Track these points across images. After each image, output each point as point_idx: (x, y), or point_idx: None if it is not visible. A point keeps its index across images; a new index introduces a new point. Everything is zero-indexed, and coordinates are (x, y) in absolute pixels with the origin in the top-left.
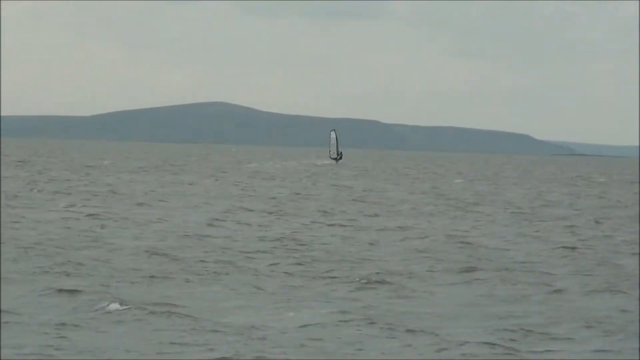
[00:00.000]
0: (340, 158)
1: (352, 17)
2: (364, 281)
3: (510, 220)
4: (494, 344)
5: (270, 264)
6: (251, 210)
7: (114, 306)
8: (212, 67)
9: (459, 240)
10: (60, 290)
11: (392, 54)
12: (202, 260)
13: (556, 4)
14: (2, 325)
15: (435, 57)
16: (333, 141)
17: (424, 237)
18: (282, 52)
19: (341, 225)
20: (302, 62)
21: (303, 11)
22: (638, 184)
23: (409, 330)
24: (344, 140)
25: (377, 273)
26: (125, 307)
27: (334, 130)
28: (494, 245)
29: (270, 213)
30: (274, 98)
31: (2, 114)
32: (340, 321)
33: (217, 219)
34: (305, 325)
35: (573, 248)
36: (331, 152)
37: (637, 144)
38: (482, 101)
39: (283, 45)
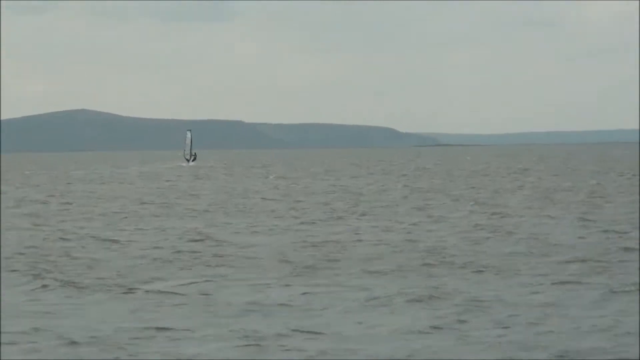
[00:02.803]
0: (194, 159)
1: (201, 19)
2: None
3: None
4: None
5: None
6: None
7: None
8: (68, 75)
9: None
10: None
11: (245, 52)
12: None
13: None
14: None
15: (291, 54)
16: (188, 141)
17: None
18: (136, 55)
19: None
20: (159, 64)
21: (150, 12)
22: None
23: None
24: (208, 141)
25: None
26: None
27: (190, 130)
28: None
29: None
30: (136, 103)
31: None
32: None
33: None
34: None
35: None
36: (185, 153)
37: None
38: (345, 97)
39: (136, 48)
